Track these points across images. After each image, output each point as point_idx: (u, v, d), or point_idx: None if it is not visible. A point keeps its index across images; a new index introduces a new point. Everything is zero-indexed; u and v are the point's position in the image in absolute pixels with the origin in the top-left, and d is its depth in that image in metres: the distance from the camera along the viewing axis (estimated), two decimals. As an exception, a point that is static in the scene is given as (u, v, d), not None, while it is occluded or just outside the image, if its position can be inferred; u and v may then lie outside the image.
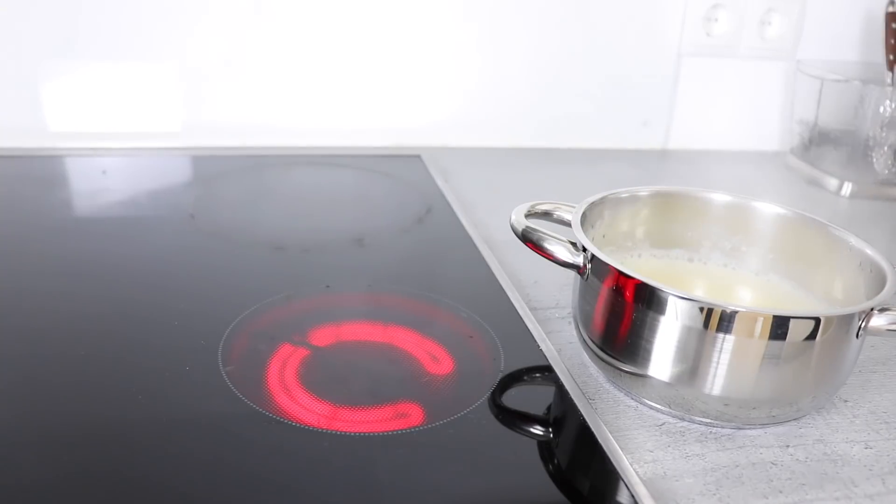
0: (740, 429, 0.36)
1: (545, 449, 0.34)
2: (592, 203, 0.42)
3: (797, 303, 0.42)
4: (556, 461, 0.33)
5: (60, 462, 0.31)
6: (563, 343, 0.43)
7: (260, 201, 0.61)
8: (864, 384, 0.41)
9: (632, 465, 0.33)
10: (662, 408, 0.37)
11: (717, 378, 0.34)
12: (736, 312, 0.32)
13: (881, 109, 0.68)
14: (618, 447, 0.34)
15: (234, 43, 0.68)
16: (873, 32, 0.79)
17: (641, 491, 0.31)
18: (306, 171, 0.68)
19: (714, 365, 0.34)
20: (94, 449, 0.32)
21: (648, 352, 0.35)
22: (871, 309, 0.34)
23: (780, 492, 0.33)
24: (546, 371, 0.39)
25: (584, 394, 0.38)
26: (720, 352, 0.33)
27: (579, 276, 0.39)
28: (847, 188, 0.70)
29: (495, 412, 0.36)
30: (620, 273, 0.35)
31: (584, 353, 0.41)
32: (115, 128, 0.69)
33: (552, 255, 0.38)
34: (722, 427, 0.36)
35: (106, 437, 0.33)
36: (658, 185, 0.46)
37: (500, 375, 0.38)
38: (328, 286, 0.47)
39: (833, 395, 0.38)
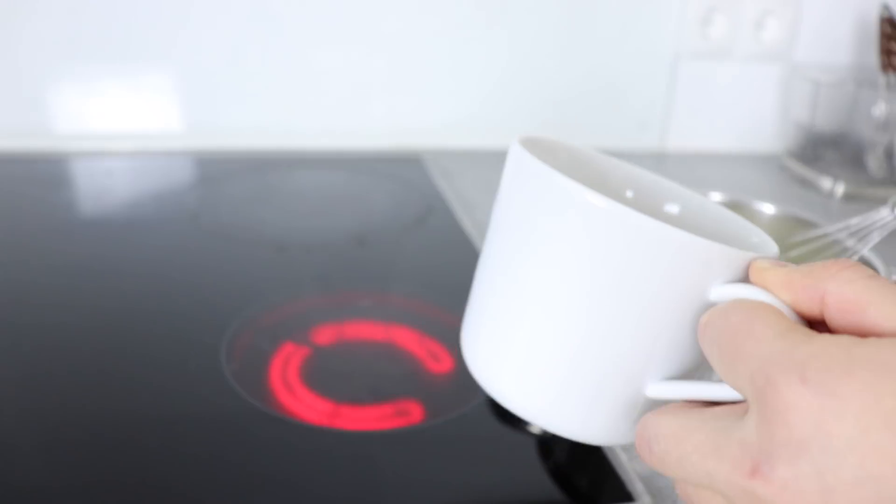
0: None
1: (544, 446, 0.34)
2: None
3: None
4: (554, 458, 0.34)
5: (64, 460, 0.31)
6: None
7: (263, 202, 0.61)
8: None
9: (629, 462, 0.33)
10: (659, 406, 0.37)
11: (714, 375, 0.34)
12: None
13: (875, 112, 0.69)
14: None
15: (237, 45, 0.69)
16: (867, 35, 0.79)
17: (639, 487, 0.32)
18: (308, 173, 0.69)
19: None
20: (97, 446, 0.32)
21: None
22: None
23: (775, 488, 0.33)
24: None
25: (581, 392, 0.38)
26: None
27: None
28: (840, 189, 0.71)
29: (495, 410, 0.36)
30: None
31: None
32: (120, 130, 0.70)
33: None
34: (717, 424, 0.37)
35: (110, 435, 0.33)
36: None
37: (500, 374, 0.39)
38: (330, 286, 0.47)
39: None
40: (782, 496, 0.18)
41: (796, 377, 0.18)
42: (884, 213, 0.38)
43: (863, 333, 0.19)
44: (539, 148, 0.27)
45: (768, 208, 0.45)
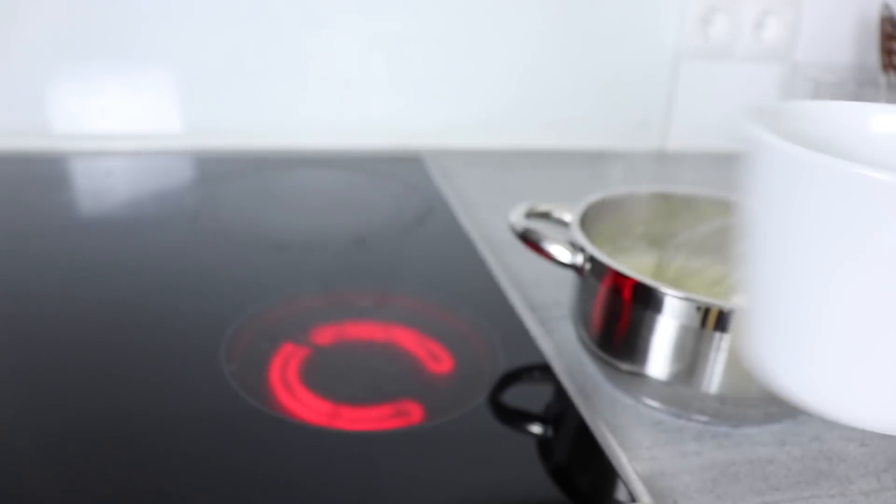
0: (737, 427, 0.37)
1: (544, 447, 0.34)
2: (591, 203, 0.42)
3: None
4: (554, 459, 0.34)
5: (63, 459, 0.31)
6: (561, 342, 0.43)
7: (263, 202, 0.61)
8: (859, 383, 0.41)
9: (630, 463, 0.33)
10: (660, 406, 0.37)
11: (714, 377, 0.34)
12: (733, 311, 0.33)
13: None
14: (616, 445, 0.34)
15: (236, 45, 0.69)
16: (867, 35, 0.79)
17: (639, 488, 0.31)
18: (308, 173, 0.69)
19: (711, 363, 0.34)
20: (96, 446, 0.32)
21: (646, 351, 0.35)
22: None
23: (777, 489, 0.33)
24: (545, 370, 0.40)
25: (582, 392, 0.38)
26: (717, 350, 0.34)
27: (578, 276, 0.39)
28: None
29: (495, 410, 0.36)
30: (618, 273, 0.35)
31: (583, 352, 0.41)
32: (120, 130, 0.70)
33: (551, 256, 0.39)
34: (719, 425, 0.37)
35: (109, 434, 0.33)
36: (656, 186, 0.46)
37: (500, 374, 0.39)
38: (329, 285, 0.47)
39: (829, 394, 0.39)
40: None
41: None
42: None
43: None
44: (771, 119, 0.23)
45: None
